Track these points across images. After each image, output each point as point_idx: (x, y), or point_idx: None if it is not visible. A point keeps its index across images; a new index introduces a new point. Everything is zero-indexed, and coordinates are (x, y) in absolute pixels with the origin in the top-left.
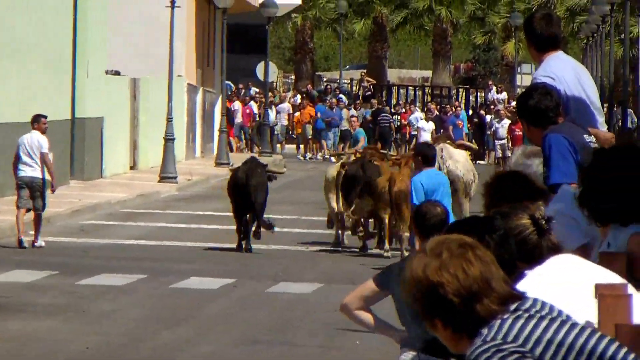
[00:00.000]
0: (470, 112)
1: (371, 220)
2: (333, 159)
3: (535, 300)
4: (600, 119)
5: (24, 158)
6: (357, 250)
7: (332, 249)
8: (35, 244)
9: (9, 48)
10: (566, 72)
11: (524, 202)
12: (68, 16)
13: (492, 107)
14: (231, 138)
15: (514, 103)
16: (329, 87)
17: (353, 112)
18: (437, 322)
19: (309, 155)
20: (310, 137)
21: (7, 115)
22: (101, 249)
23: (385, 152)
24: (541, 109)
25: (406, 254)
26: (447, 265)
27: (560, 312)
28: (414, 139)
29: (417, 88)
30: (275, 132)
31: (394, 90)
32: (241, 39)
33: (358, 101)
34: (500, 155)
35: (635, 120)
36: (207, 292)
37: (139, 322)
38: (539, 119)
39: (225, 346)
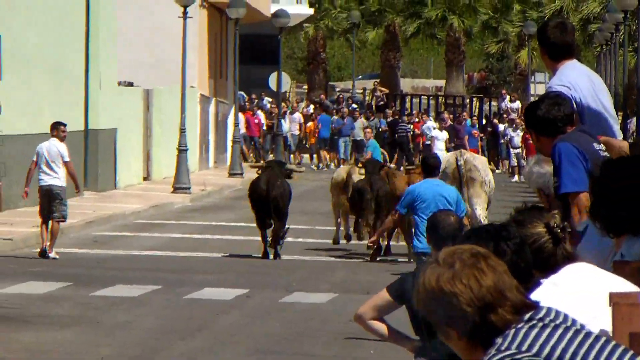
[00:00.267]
0: (484, 121)
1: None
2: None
3: (549, 309)
4: (616, 126)
5: (43, 167)
6: (367, 259)
7: (344, 256)
8: (50, 254)
9: (22, 60)
10: (581, 81)
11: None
12: (80, 28)
13: (505, 115)
14: (244, 148)
15: None
16: (341, 96)
17: (364, 122)
18: (451, 332)
19: (321, 165)
20: (320, 147)
21: (21, 126)
22: (115, 260)
23: (384, 163)
24: (549, 119)
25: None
26: (460, 276)
27: (574, 321)
28: (428, 149)
29: (431, 97)
30: (288, 142)
31: (407, 100)
32: (253, 49)
33: (370, 111)
34: (516, 163)
35: None
36: (221, 303)
37: (153, 333)
38: (548, 129)
39: (240, 356)
